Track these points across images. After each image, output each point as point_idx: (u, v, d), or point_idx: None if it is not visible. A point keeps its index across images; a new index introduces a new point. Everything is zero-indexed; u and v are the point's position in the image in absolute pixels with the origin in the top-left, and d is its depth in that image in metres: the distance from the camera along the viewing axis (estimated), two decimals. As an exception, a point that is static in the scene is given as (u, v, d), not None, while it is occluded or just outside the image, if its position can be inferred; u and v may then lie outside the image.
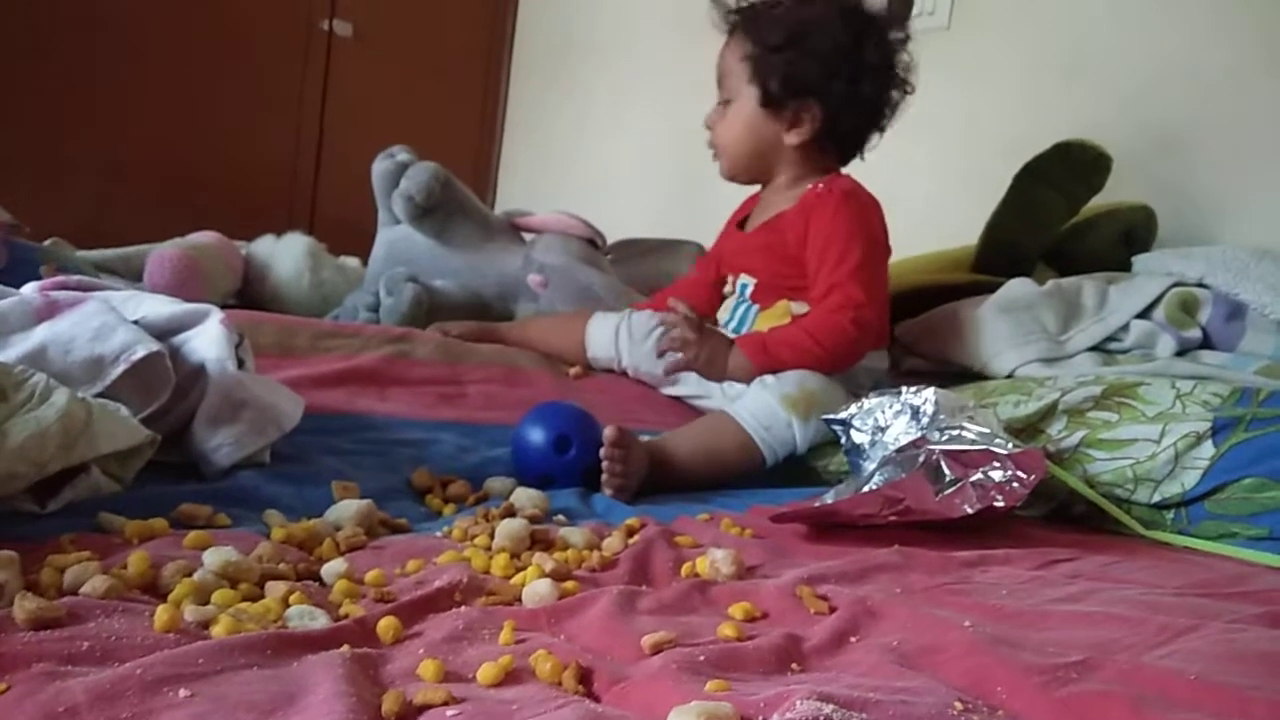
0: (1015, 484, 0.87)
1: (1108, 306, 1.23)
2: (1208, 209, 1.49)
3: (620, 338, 1.37)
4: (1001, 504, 0.86)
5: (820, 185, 1.24)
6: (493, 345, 1.41)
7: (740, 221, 1.38)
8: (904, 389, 0.97)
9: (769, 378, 1.14)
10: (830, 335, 1.15)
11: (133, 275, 1.59)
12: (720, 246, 1.40)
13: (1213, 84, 1.50)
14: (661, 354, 1.22)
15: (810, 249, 1.21)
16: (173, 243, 1.61)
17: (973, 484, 0.87)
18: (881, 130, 1.28)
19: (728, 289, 1.34)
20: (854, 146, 1.29)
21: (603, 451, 0.97)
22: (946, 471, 0.88)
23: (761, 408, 1.10)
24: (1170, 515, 0.96)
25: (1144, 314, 1.21)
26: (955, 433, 0.90)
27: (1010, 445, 0.88)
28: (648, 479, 1.01)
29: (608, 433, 0.97)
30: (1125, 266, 1.36)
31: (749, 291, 1.29)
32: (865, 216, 1.22)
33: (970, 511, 0.87)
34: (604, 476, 0.97)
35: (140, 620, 0.53)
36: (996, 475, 0.87)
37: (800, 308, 1.24)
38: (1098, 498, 0.96)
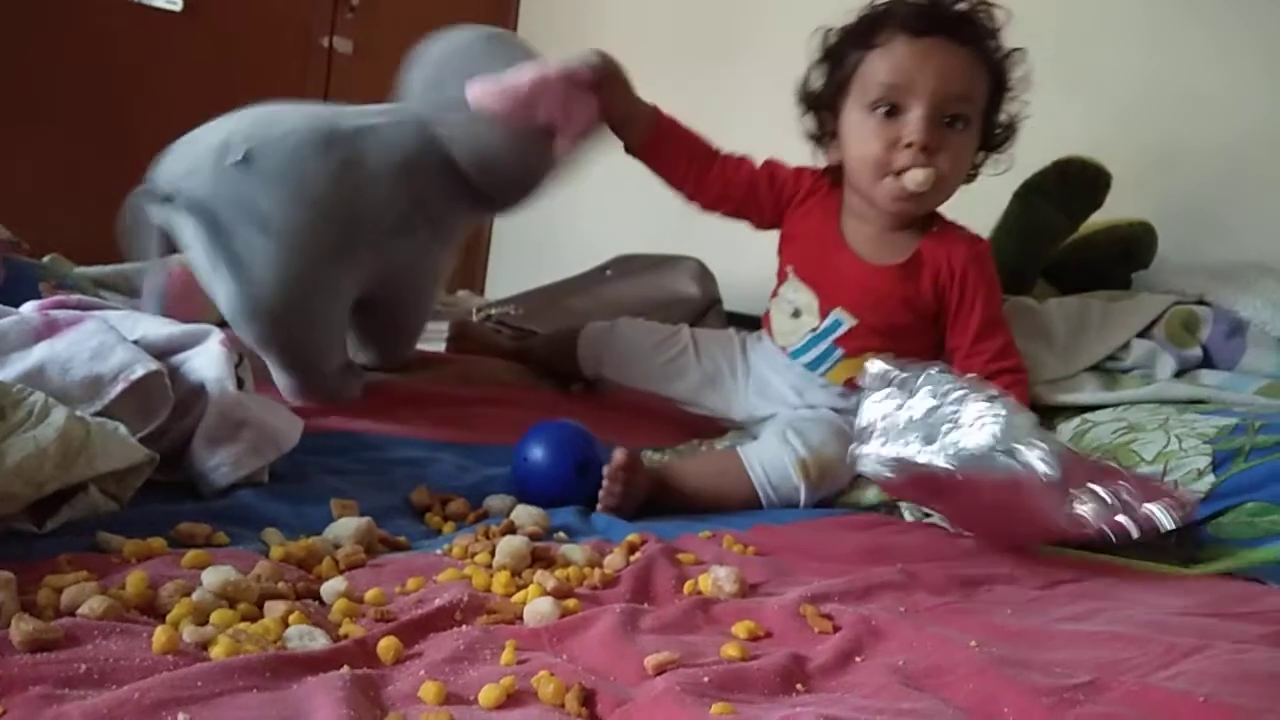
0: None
1: (1109, 325, 1.23)
2: (1208, 225, 1.50)
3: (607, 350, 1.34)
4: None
5: (967, 232, 1.17)
6: (494, 362, 1.41)
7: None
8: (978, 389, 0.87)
9: (791, 434, 1.09)
10: (1028, 404, 1.09)
11: (132, 292, 1.59)
12: (807, 245, 1.20)
13: (1213, 99, 1.50)
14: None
15: (977, 307, 1.13)
16: (173, 258, 1.61)
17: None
18: None
19: (803, 308, 1.19)
20: None
21: (607, 471, 0.96)
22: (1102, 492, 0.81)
23: (774, 464, 1.06)
24: (1172, 540, 0.95)
25: (1145, 332, 1.21)
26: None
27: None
28: (648, 500, 1.00)
29: (617, 456, 0.97)
30: (1126, 283, 1.36)
31: (840, 332, 1.16)
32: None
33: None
34: (602, 494, 0.97)
35: (138, 641, 0.53)
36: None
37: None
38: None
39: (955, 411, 0.85)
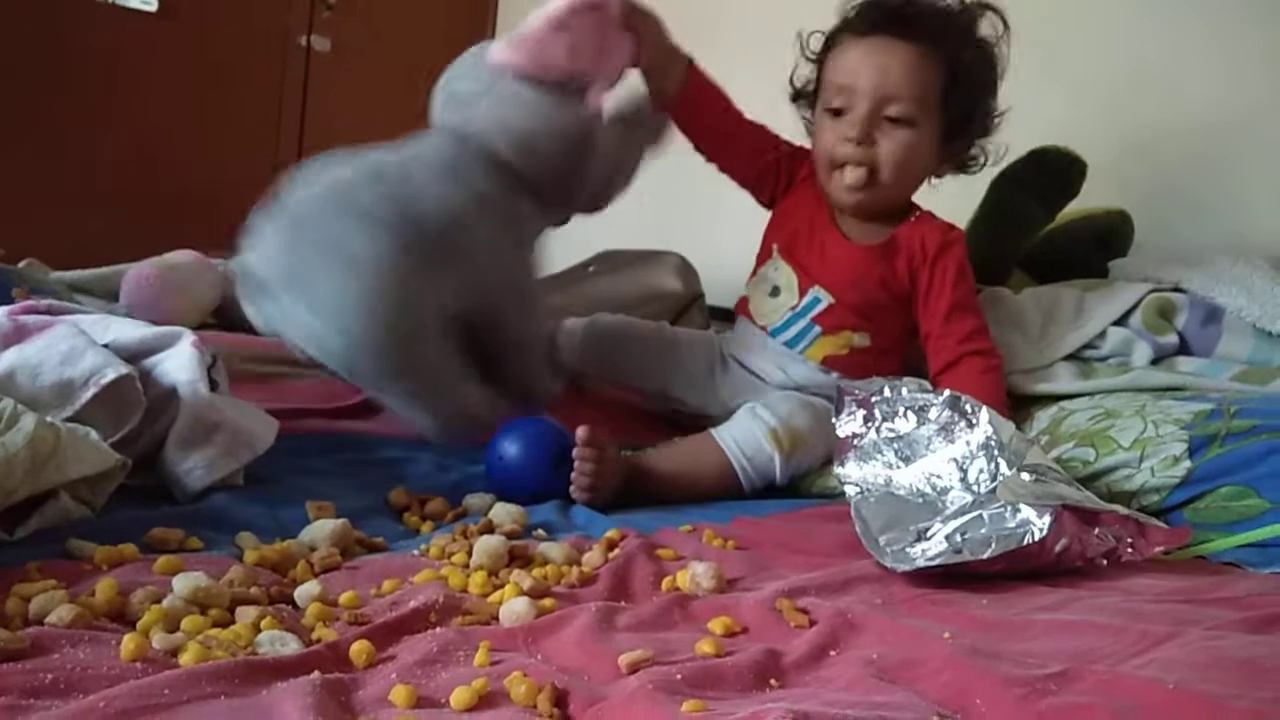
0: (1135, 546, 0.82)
1: (1084, 314, 1.23)
2: (1183, 213, 1.50)
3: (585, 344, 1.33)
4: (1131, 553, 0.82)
5: (943, 222, 1.20)
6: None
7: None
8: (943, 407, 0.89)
9: (759, 407, 1.11)
10: (1003, 391, 1.14)
11: (109, 295, 1.58)
12: (798, 223, 1.21)
13: (1188, 88, 1.51)
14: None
15: (946, 290, 1.16)
16: (150, 261, 1.59)
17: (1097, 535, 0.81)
18: None
19: (782, 286, 1.20)
20: None
21: (575, 452, 0.97)
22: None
23: (747, 438, 1.08)
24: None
25: (1121, 320, 1.21)
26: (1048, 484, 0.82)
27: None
28: (623, 490, 1.00)
29: (580, 433, 0.97)
30: (1102, 271, 1.36)
31: (818, 310, 1.19)
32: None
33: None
34: (574, 475, 0.96)
35: (107, 650, 0.52)
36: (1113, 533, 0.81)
37: (863, 340, 1.19)
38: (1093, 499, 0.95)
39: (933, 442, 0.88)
